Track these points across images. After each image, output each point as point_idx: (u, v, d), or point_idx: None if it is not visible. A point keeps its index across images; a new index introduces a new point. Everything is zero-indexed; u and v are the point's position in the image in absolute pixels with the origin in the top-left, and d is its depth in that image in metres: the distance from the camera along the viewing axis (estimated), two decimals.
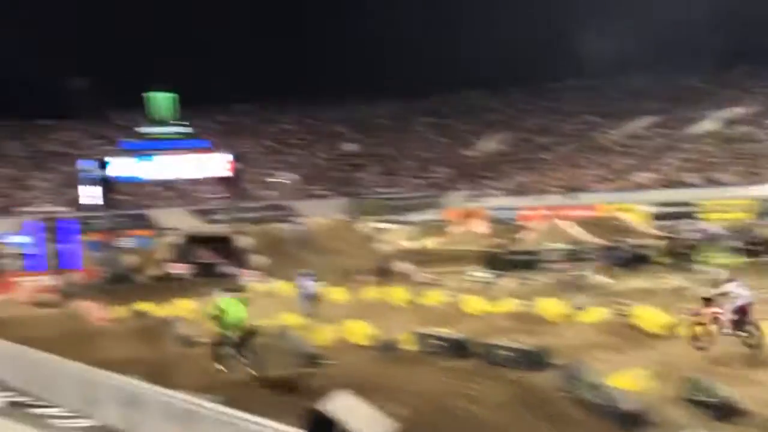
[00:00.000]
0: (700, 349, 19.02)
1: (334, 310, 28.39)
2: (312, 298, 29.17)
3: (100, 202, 47.03)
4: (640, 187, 66.28)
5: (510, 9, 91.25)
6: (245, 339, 18.84)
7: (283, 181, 40.55)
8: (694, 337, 19.34)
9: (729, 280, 19.95)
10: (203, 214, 70.67)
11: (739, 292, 18.92)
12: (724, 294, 19.21)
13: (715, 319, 18.93)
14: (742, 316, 18.55)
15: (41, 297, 38.45)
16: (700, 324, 19.32)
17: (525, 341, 19.65)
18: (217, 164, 49.46)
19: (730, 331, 18.66)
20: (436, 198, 79.60)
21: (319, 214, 45.48)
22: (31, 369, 18.97)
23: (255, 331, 18.97)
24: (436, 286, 33.33)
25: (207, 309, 19.25)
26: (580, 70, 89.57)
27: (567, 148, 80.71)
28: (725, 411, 15.75)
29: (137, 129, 49.36)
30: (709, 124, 73.09)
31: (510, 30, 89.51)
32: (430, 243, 54.77)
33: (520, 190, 74.40)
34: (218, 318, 19.10)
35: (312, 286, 29.45)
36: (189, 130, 50.46)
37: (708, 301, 19.39)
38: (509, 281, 35.07)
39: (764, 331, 18.78)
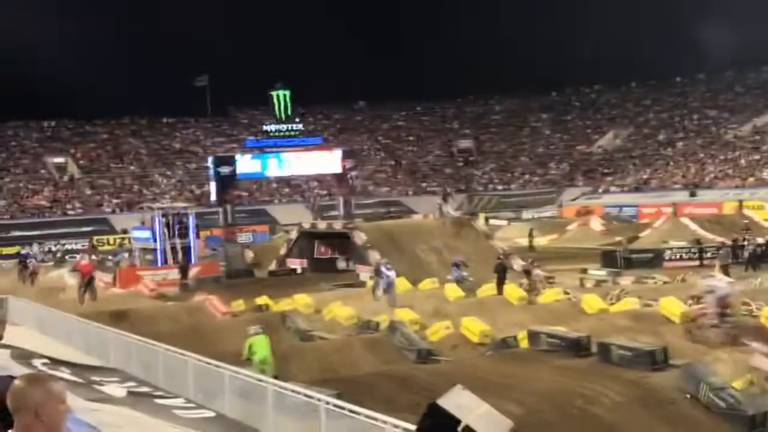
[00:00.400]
0: (696, 342, 19.28)
1: (450, 306, 28.35)
2: (391, 288, 29.55)
3: (223, 197, 48.03)
4: (766, 184, 64.03)
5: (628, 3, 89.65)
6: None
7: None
8: (690, 334, 19.82)
9: (709, 276, 20.79)
10: (319, 210, 71.72)
11: (718, 284, 19.80)
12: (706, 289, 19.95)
13: (704, 313, 19.59)
14: (723, 308, 19.13)
15: (164, 290, 39.55)
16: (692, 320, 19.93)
17: (644, 341, 19.22)
18: (330, 161, 49.91)
19: (716, 322, 19.12)
20: (553, 195, 78.71)
21: (432, 211, 45.29)
22: (152, 360, 19.53)
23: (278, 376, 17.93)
24: (552, 284, 32.88)
25: (244, 349, 18.87)
26: (703, 65, 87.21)
27: (689, 144, 78.61)
28: None
29: (265, 127, 50.32)
30: None
31: (629, 25, 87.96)
32: (547, 240, 54.17)
33: (640, 187, 72.87)
34: (250, 360, 18.57)
35: (393, 275, 29.77)
36: (302, 127, 51.19)
37: (697, 299, 20.16)
38: (627, 280, 34.33)
39: None
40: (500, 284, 30.60)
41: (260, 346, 18.80)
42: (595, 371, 17.61)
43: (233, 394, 15.89)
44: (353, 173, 50.36)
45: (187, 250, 44.91)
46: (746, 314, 22.38)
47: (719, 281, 19.77)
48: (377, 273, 31.01)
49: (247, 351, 18.70)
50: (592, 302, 26.08)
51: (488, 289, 30.73)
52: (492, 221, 62.73)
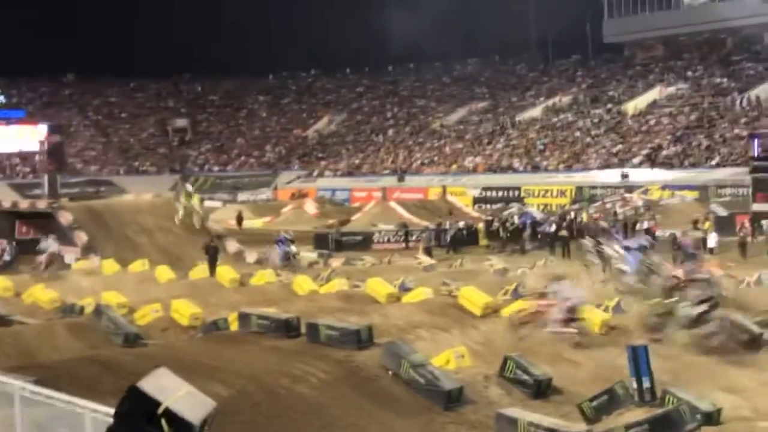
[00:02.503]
0: (522, 336, 19.46)
1: (161, 289, 27.80)
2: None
3: None
4: (469, 171, 67.98)
5: None
6: None
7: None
8: (521, 324, 19.92)
9: (559, 279, 21.17)
10: (21, 188, 67.71)
11: (570, 293, 19.66)
12: (555, 292, 20.02)
13: (543, 313, 19.58)
14: (571, 315, 19.18)
15: None
16: (529, 313, 19.99)
17: (352, 321, 19.78)
18: (34, 136, 47.31)
19: (558, 327, 19.12)
20: (269, 178, 79.23)
21: (146, 191, 44.20)
22: None
23: None
24: (264, 266, 33.07)
25: None
26: (413, 56, 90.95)
27: (398, 131, 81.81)
28: (541, 389, 16.41)
29: None
30: (534, 111, 75.61)
31: (347, 13, 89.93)
32: (261, 223, 54.42)
33: (353, 172, 74.98)
34: None
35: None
36: (2, 99, 48.20)
37: (542, 295, 20.35)
38: (338, 261, 35.26)
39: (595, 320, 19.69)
40: (212, 266, 30.41)
41: None
42: (303, 351, 17.90)
43: None
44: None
45: None
46: (446, 294, 23.65)
47: (572, 288, 19.89)
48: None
49: None
50: (303, 284, 26.50)
51: (200, 271, 30.43)
52: (207, 203, 62.11)
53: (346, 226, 47.26)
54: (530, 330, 19.70)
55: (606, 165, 61.65)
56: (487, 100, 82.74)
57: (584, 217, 42.94)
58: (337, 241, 40.97)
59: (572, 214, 43.62)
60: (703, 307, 19.29)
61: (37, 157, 49.36)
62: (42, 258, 31.77)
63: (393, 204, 52.12)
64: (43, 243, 32.44)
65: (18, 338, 21.41)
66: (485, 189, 61.41)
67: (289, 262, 32.56)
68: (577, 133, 68.59)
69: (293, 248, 33.61)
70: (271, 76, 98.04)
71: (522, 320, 20.10)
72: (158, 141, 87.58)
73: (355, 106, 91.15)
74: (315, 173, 77.20)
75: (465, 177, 66.08)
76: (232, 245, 38.58)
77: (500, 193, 59.96)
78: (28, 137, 47.88)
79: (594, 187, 56.57)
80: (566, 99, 75.99)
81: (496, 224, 41.86)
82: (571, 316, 19.19)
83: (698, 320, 19.12)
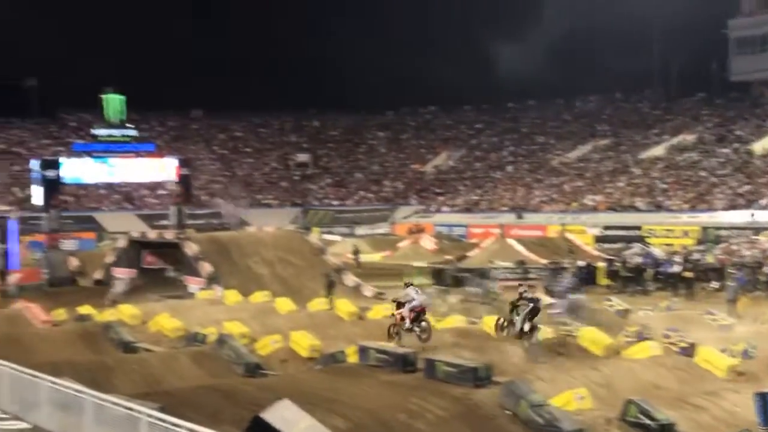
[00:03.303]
0: (391, 339, 21.94)
1: (281, 320, 28.20)
2: None
3: (48, 202, 46.23)
4: (589, 209, 67.04)
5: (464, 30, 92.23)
6: None
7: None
8: (390, 334, 22.26)
9: (407, 285, 23.09)
10: (149, 219, 70.03)
11: (414, 295, 22.09)
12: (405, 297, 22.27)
13: (402, 318, 21.93)
14: (417, 315, 21.82)
15: None
16: (395, 324, 22.27)
17: (469, 358, 19.65)
18: (164, 169, 48.95)
19: (409, 325, 21.79)
20: (387, 212, 79.78)
21: (268, 224, 45.15)
22: None
23: None
24: (382, 300, 33.21)
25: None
26: (532, 92, 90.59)
27: (518, 168, 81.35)
28: None
29: (94, 131, 48.81)
30: (658, 149, 74.13)
31: (465, 51, 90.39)
32: (379, 257, 54.77)
33: (470, 208, 74.85)
34: None
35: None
36: (136, 133, 50.04)
37: (400, 304, 22.15)
38: (455, 297, 35.07)
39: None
40: (331, 299, 30.75)
41: None
42: (420, 387, 17.87)
43: (51, 405, 15.27)
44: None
45: (6, 255, 42.99)
46: (565, 334, 23.26)
47: (416, 293, 22.35)
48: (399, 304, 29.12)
49: None
50: None
51: (319, 304, 30.76)
52: (326, 236, 62.95)
53: (463, 262, 47.07)
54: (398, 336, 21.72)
55: (732, 206, 59.88)
56: (608, 137, 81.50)
57: (709, 258, 41.86)
58: (454, 276, 40.81)
59: (696, 255, 42.55)
60: None
61: (167, 188, 51.06)
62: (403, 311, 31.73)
63: (511, 241, 51.66)
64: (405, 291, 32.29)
65: (143, 365, 22.06)
66: (606, 228, 60.45)
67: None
68: (702, 173, 66.87)
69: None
70: (391, 113, 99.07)
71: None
72: (280, 175, 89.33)
73: (473, 143, 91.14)
74: (432, 208, 77.39)
75: (585, 215, 65.12)
76: (350, 279, 38.97)
77: (621, 233, 58.92)
78: (156, 170, 49.51)
79: (720, 228, 55.03)
80: (691, 137, 74.23)
81: (617, 264, 41.13)
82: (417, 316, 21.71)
83: None
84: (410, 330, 21.83)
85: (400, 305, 22.15)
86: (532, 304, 21.99)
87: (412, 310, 21.87)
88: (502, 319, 22.98)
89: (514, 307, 22.29)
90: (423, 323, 21.90)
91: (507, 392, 16.62)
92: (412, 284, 23.38)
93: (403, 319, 21.94)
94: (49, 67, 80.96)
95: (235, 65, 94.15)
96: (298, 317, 28.82)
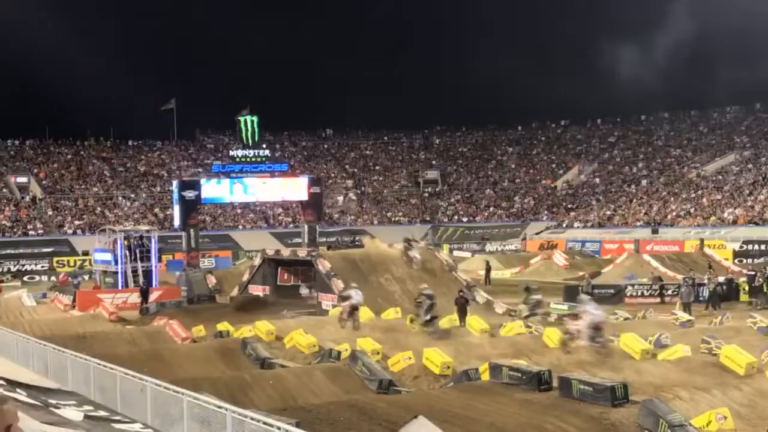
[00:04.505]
0: (568, 353, 22.49)
1: (412, 337, 28.27)
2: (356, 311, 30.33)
3: (186, 221, 47.79)
4: (728, 223, 64.85)
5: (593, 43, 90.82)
6: None
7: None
8: (564, 344, 23.08)
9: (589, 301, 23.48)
10: (282, 237, 71.52)
11: (594, 311, 22.55)
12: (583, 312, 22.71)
13: (577, 331, 22.67)
14: (595, 331, 22.34)
15: (124, 314, 39.13)
16: (568, 334, 23.09)
17: (605, 377, 19.25)
18: (298, 188, 49.96)
19: (585, 342, 22.41)
20: (518, 228, 79.12)
21: (398, 241, 45.29)
22: (110, 384, 19.22)
23: None
24: (513, 317, 32.92)
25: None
26: (666, 104, 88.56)
27: (652, 182, 79.45)
28: None
29: (231, 152, 50.39)
30: None
31: (595, 63, 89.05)
32: (510, 273, 54.35)
33: (603, 223, 73.48)
34: None
35: (360, 299, 30.70)
36: (268, 153, 51.30)
37: (575, 316, 22.86)
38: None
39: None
40: (462, 316, 30.65)
41: None
42: (555, 405, 17.59)
43: (192, 420, 15.66)
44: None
45: (148, 273, 44.57)
46: (705, 352, 22.54)
47: (595, 308, 22.81)
48: (343, 299, 31.18)
49: None
50: (553, 336, 26.09)
51: (450, 321, 30.71)
52: (456, 253, 62.89)
53: (597, 279, 46.21)
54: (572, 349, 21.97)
55: None
56: (748, 149, 78.74)
57: None
58: (588, 293, 40.05)
59: None
60: None
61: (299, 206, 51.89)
62: (345, 305, 31.55)
63: (647, 257, 50.45)
64: (348, 290, 32.16)
65: (279, 380, 22.43)
66: (746, 242, 58.31)
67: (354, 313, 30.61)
68: None
69: (539, 296, 33.30)
70: (520, 127, 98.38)
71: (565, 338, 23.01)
72: (410, 192, 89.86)
73: (606, 156, 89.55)
74: (564, 224, 76.32)
75: (724, 229, 63.02)
76: (481, 295, 38.79)
77: (763, 247, 56.73)
78: (290, 189, 50.52)
79: None
80: None
81: (759, 279, 39.58)
82: (596, 332, 22.06)
83: None
84: (591, 342, 22.65)
85: (575, 317, 23.15)
86: (429, 301, 27.56)
87: (595, 327, 22.56)
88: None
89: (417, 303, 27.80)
90: (600, 339, 22.73)
91: (646, 412, 16.16)
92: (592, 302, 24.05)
93: (578, 332, 22.83)
94: (187, 90, 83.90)
95: (365, 85, 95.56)
96: (429, 334, 28.81)
